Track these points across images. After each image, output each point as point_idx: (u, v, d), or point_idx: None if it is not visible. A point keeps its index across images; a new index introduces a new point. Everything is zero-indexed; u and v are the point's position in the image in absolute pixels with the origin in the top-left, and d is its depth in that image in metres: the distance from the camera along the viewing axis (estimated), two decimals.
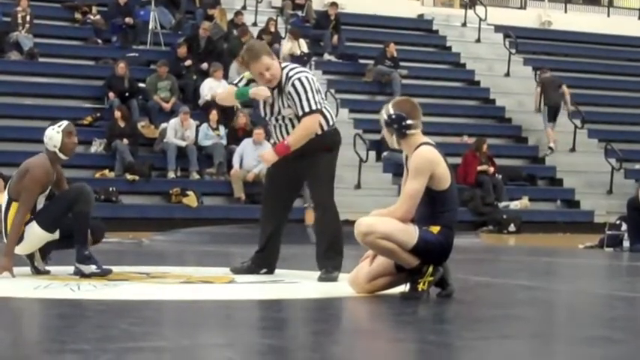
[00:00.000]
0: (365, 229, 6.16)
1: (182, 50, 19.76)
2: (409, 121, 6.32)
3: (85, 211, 7.25)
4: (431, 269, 6.20)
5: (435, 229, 6.23)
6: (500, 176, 19.68)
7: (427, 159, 6.24)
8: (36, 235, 7.27)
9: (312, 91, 7.39)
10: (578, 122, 21.61)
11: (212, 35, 20.44)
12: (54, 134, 7.41)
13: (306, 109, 7.36)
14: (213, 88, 19.01)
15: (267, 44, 7.87)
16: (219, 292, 6.77)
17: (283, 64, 7.57)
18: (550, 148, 21.34)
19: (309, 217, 15.82)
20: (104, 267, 7.29)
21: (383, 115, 6.39)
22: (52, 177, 7.34)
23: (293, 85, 7.37)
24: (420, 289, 6.18)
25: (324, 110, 7.52)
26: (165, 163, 17.86)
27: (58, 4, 21.56)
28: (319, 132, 7.50)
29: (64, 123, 7.50)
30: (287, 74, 7.42)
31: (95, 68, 20.15)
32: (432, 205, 6.25)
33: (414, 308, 5.88)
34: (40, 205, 7.35)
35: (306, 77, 7.42)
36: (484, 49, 24.23)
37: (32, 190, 7.23)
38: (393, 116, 6.32)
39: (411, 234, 6.17)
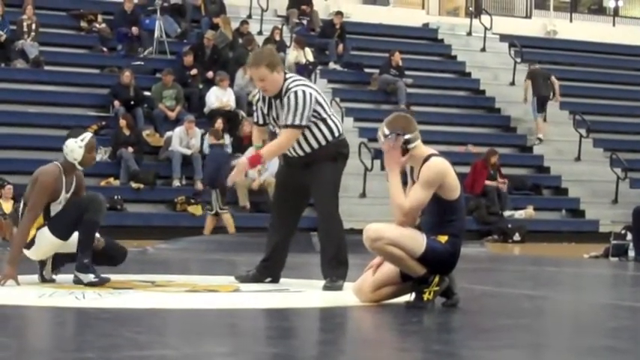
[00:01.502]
0: (373, 234, 6.16)
1: (188, 59, 19.80)
2: (407, 136, 6.29)
3: (94, 220, 7.26)
4: (437, 279, 6.19)
5: (443, 238, 6.23)
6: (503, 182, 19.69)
7: (438, 171, 6.23)
8: (47, 240, 7.28)
9: (304, 107, 7.36)
10: (583, 131, 21.62)
11: (217, 44, 20.47)
12: (76, 148, 7.39)
13: (289, 122, 7.37)
14: (219, 97, 19.06)
15: (276, 53, 7.86)
16: (224, 300, 6.77)
17: (288, 75, 7.58)
18: (539, 138, 21.69)
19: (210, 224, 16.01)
20: (102, 276, 7.29)
21: (380, 138, 6.36)
22: (61, 185, 7.34)
23: (288, 97, 7.39)
24: (425, 299, 6.17)
25: (328, 121, 7.53)
26: (170, 171, 17.88)
27: (64, 13, 21.61)
28: (323, 143, 7.51)
29: (87, 137, 7.46)
30: (288, 86, 7.44)
31: (101, 76, 20.19)
32: (441, 215, 6.24)
33: (419, 318, 5.87)
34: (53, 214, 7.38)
35: (303, 91, 7.41)
36: (489, 58, 24.25)
37: (39, 196, 7.25)
38: (390, 136, 6.29)
39: (419, 242, 6.17)
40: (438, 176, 6.21)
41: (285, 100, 7.40)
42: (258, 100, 7.69)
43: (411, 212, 6.20)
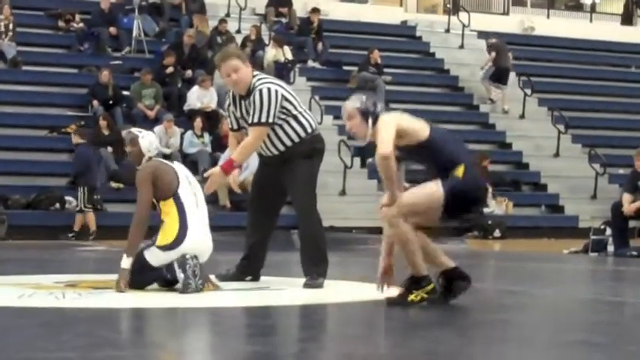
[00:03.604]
0: (391, 210, 6.05)
1: (170, 60, 19.70)
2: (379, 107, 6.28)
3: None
4: (430, 286, 6.12)
5: (459, 171, 6.14)
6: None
7: (389, 118, 6.18)
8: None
9: (270, 104, 7.32)
10: (561, 127, 21.70)
11: (196, 42, 20.43)
12: None
13: (255, 120, 7.34)
14: (200, 98, 19.03)
15: (239, 50, 7.85)
16: (204, 299, 6.76)
17: (255, 73, 7.55)
18: (490, 99, 22.50)
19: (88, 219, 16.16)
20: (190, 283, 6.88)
21: (358, 106, 6.27)
22: None
23: (254, 95, 7.37)
24: (410, 300, 6.11)
25: (300, 117, 7.49)
26: None
27: (42, 12, 21.52)
28: (296, 140, 7.48)
29: None
30: (254, 84, 7.41)
31: (79, 76, 20.12)
32: (434, 156, 6.17)
33: (401, 314, 5.88)
34: None
35: (268, 89, 7.37)
36: (467, 55, 24.29)
37: None
38: (370, 103, 6.25)
39: (434, 192, 6.09)
40: (391, 120, 6.13)
41: (252, 98, 7.37)
42: (229, 104, 7.66)
43: (389, 151, 6.04)
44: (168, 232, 6.91)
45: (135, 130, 7.40)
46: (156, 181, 7.03)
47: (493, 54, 22.35)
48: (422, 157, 6.26)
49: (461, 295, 6.28)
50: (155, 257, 6.93)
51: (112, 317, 5.83)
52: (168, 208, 6.99)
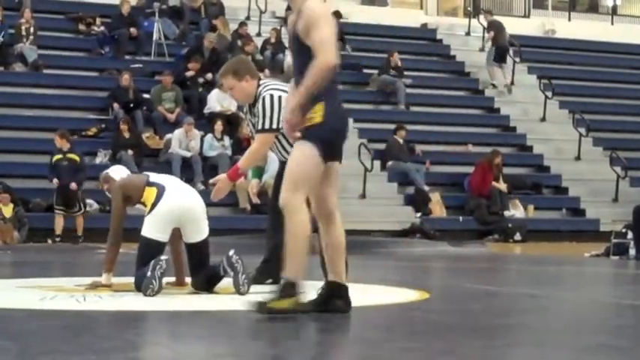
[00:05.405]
0: (283, 193, 5.73)
1: (195, 65, 19.74)
2: None
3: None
4: (298, 297, 5.85)
5: (317, 114, 5.76)
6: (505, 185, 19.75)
7: (323, 6, 5.78)
8: None
9: (273, 110, 7.32)
10: (583, 130, 21.63)
11: (216, 46, 20.47)
12: None
13: (259, 127, 7.37)
14: (220, 101, 19.06)
15: (247, 61, 7.86)
16: (224, 302, 6.77)
17: (262, 81, 7.54)
18: (493, 84, 22.74)
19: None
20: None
21: None
22: None
23: (258, 102, 7.39)
24: (275, 306, 5.80)
25: None
26: (169, 173, 17.82)
27: (62, 16, 21.62)
28: None
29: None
30: (260, 92, 7.43)
31: (99, 79, 20.20)
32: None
33: (421, 318, 5.87)
34: None
35: (271, 95, 7.38)
36: None
37: None
38: None
39: (306, 151, 5.67)
40: (325, 10, 5.70)
41: (257, 106, 7.39)
42: (246, 112, 7.69)
43: (327, 49, 5.66)
44: (149, 202, 7.21)
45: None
46: (127, 196, 7.36)
47: (492, 32, 22.63)
48: (305, 61, 5.74)
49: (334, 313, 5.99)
50: (148, 228, 7.20)
51: (132, 320, 5.84)
52: (147, 194, 7.27)
